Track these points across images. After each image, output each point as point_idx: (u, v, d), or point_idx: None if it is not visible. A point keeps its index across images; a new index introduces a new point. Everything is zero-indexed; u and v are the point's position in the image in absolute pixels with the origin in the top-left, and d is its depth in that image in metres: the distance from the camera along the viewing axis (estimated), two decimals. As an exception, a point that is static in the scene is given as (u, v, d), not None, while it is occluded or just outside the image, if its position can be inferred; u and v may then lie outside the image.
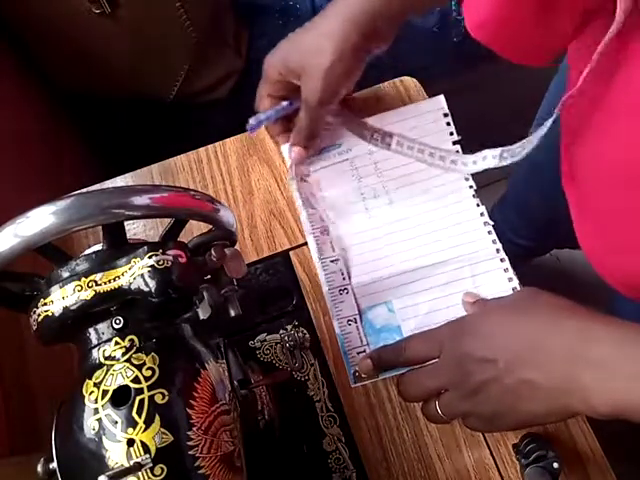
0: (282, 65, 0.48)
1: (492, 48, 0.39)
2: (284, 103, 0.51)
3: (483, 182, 0.51)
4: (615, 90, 0.37)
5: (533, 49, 0.40)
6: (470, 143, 0.52)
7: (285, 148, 0.54)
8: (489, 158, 0.49)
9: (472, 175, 0.51)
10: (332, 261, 0.49)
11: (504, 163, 0.48)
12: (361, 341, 0.47)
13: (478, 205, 0.50)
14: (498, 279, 0.47)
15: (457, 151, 0.52)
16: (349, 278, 0.49)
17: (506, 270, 0.48)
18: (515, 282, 0.47)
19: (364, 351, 0.46)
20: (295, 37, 0.49)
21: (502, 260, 0.48)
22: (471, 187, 0.50)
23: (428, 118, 0.53)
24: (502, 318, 0.38)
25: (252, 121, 0.51)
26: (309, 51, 0.46)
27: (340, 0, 0.46)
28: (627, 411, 0.31)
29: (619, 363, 0.32)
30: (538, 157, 0.50)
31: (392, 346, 0.44)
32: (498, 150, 0.48)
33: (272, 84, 0.50)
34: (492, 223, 0.49)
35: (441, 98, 0.54)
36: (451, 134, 0.52)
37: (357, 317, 0.48)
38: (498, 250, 0.48)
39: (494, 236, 0.49)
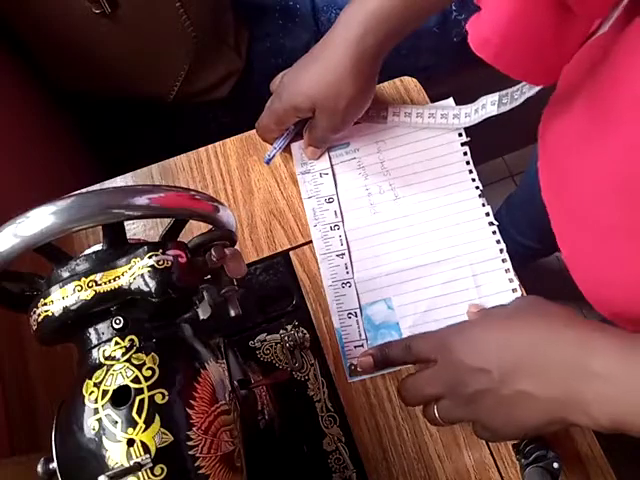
0: (295, 108, 0.48)
1: (496, 66, 0.39)
2: (292, 127, 0.52)
3: (487, 181, 0.51)
4: (601, 90, 0.37)
5: (540, 67, 0.40)
6: (473, 143, 0.52)
7: (295, 146, 0.54)
8: (488, 105, 0.49)
9: (477, 175, 0.51)
10: (338, 255, 0.50)
11: (504, 109, 0.48)
12: (359, 335, 0.47)
13: (484, 205, 0.50)
14: (499, 280, 0.47)
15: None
16: (352, 272, 0.49)
17: (507, 271, 0.48)
18: (516, 283, 0.47)
19: (362, 345, 0.47)
20: (303, 75, 0.48)
21: (504, 261, 0.48)
22: (477, 187, 0.50)
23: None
24: (499, 327, 0.38)
25: (269, 155, 0.53)
26: (326, 93, 0.46)
27: (339, 33, 0.46)
28: (628, 424, 0.31)
29: (620, 376, 0.31)
30: None
31: (397, 343, 0.44)
32: (496, 95, 0.48)
33: (283, 123, 0.51)
34: (497, 224, 0.49)
35: (450, 100, 0.54)
36: (460, 135, 0.52)
37: (357, 311, 0.48)
38: (502, 250, 0.48)
39: (498, 236, 0.49)
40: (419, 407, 0.45)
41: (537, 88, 0.44)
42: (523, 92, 0.46)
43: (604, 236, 0.40)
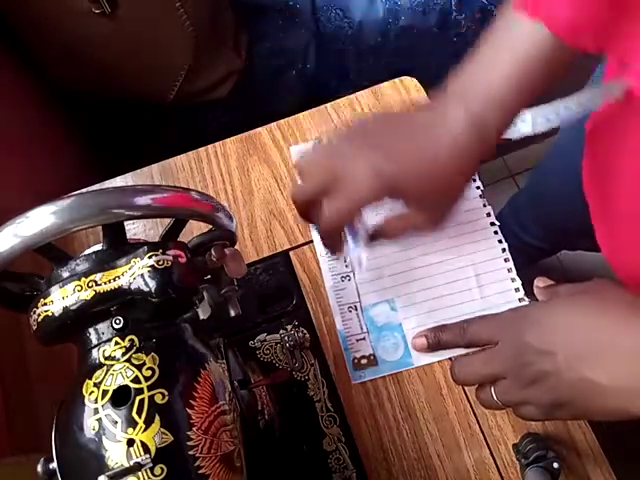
0: (389, 187, 0.36)
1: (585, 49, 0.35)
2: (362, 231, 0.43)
3: (487, 181, 0.51)
4: None
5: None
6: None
7: (295, 150, 0.54)
8: (519, 123, 0.44)
9: (478, 175, 0.51)
10: None
11: (540, 129, 0.41)
12: (361, 328, 0.47)
13: (485, 205, 0.50)
14: (502, 280, 0.48)
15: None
16: (351, 265, 0.49)
17: (510, 270, 0.48)
18: (518, 283, 0.47)
19: (364, 338, 0.47)
20: (399, 142, 0.37)
21: (506, 260, 0.48)
22: (478, 187, 0.51)
23: None
24: (569, 311, 0.36)
25: (347, 260, 0.45)
26: (433, 177, 0.37)
27: (452, 105, 0.38)
28: None
29: None
30: (561, 160, 0.49)
31: (451, 327, 0.42)
32: (530, 114, 0.41)
33: (361, 204, 0.37)
34: (498, 224, 0.49)
35: None
36: None
37: (358, 304, 0.48)
38: (504, 250, 0.48)
39: (500, 236, 0.49)
40: (419, 408, 0.45)
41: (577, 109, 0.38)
42: (558, 113, 0.39)
43: None
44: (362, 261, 0.45)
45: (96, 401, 0.27)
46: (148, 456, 0.26)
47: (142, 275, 0.28)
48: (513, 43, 0.37)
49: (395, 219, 0.42)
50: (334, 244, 0.41)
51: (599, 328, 0.34)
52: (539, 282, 0.43)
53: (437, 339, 0.43)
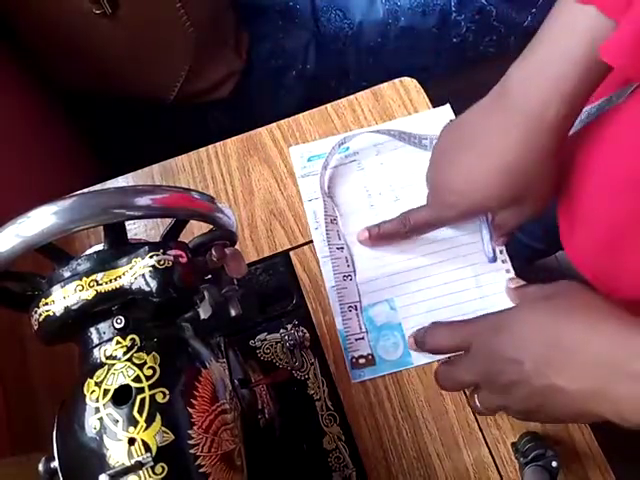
0: (501, 196, 0.41)
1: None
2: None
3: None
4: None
5: None
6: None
7: (295, 150, 0.54)
8: None
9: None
10: (338, 248, 0.50)
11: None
12: (360, 328, 0.48)
13: None
14: (500, 280, 0.48)
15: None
16: (353, 265, 0.49)
17: (508, 271, 0.48)
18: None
19: (362, 338, 0.47)
20: (509, 166, 0.40)
21: (504, 262, 0.48)
22: None
23: (435, 126, 0.53)
24: (536, 318, 0.36)
25: (489, 253, 0.48)
26: (532, 178, 0.40)
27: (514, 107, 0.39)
28: None
29: None
30: None
31: (419, 331, 0.44)
32: None
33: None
34: None
35: (447, 107, 0.54)
36: None
37: (358, 304, 0.48)
38: (501, 251, 0.49)
39: None
40: (418, 407, 0.45)
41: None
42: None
43: (616, 229, 0.39)
44: (495, 252, 0.48)
45: (97, 400, 0.27)
46: (149, 455, 0.26)
47: (143, 275, 0.29)
48: (571, 30, 0.36)
49: (502, 216, 0.46)
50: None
51: (565, 334, 0.34)
52: (511, 283, 0.44)
53: (422, 340, 0.44)
